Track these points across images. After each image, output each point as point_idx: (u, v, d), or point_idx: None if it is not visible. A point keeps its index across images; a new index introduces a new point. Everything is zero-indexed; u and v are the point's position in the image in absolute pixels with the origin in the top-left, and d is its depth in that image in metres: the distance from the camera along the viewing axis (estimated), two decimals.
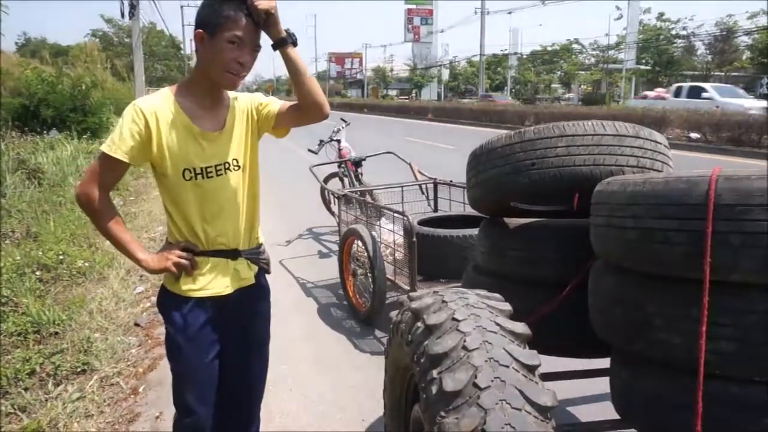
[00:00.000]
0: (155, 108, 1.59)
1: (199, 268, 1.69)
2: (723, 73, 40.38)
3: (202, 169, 1.64)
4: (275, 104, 1.79)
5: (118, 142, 1.56)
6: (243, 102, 1.76)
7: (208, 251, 1.70)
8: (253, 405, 1.95)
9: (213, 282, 1.71)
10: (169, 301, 1.72)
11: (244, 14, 1.53)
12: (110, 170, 1.60)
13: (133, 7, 18.50)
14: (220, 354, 1.78)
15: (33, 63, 15.36)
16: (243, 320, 1.81)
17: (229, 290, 1.73)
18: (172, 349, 1.74)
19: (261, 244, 1.85)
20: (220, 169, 1.67)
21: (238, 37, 1.53)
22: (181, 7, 53.88)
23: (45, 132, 10.76)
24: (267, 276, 1.90)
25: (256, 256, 1.81)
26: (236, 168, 1.70)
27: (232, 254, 1.73)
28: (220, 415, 1.83)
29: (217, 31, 1.53)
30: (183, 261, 1.66)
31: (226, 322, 1.76)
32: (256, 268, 1.82)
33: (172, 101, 1.62)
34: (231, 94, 1.76)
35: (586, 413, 2.60)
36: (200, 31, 1.56)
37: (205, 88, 1.65)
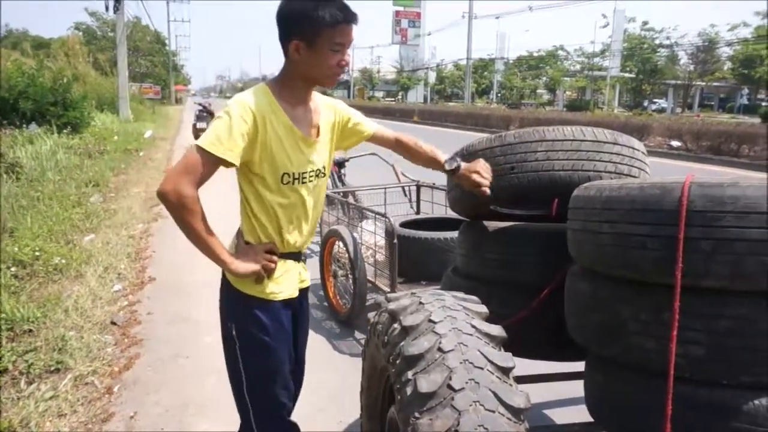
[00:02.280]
0: (262, 107, 1.53)
1: (278, 269, 1.67)
2: (704, 83, 41.13)
3: (299, 174, 1.62)
4: (370, 128, 1.86)
5: (226, 142, 1.47)
6: (330, 110, 1.75)
7: (284, 253, 1.69)
8: (298, 395, 1.97)
9: (288, 284, 1.71)
10: (248, 304, 1.66)
11: (342, 21, 1.50)
12: (210, 169, 1.50)
13: (118, 1, 18.28)
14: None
15: (13, 55, 15.10)
16: (303, 320, 1.85)
17: (296, 293, 1.75)
18: (257, 349, 1.67)
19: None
20: (312, 176, 1.66)
21: (339, 43, 1.52)
22: (167, 1, 53.44)
23: (24, 126, 10.58)
24: None
25: (306, 256, 1.84)
26: (323, 176, 1.72)
27: (298, 257, 1.76)
28: None
29: (316, 41, 1.50)
30: (271, 265, 1.63)
31: (293, 323, 1.78)
32: (307, 270, 1.84)
33: (275, 102, 1.57)
34: (315, 94, 1.74)
35: (561, 416, 2.63)
36: (296, 42, 1.51)
37: (302, 92, 1.62)
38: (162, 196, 1.47)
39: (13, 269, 4.28)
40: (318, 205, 1.76)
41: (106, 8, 18.83)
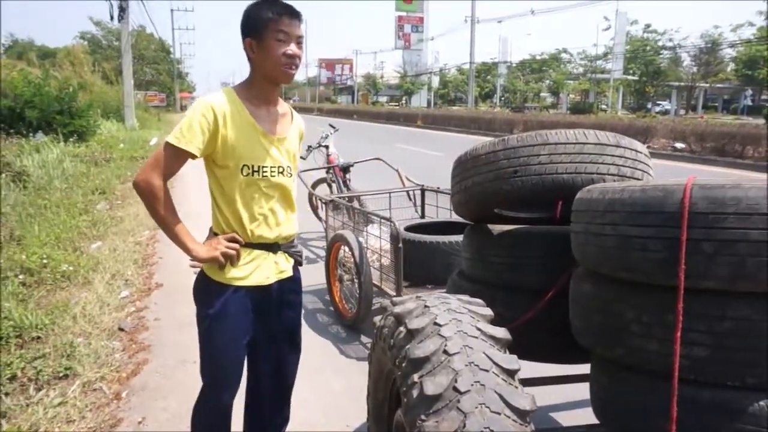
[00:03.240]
0: (223, 105, 1.70)
1: (244, 258, 1.78)
2: (708, 85, 41.01)
3: (259, 167, 1.75)
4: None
5: (187, 135, 1.65)
6: (299, 124, 1.93)
7: (251, 244, 1.79)
8: (287, 389, 2.05)
9: (256, 272, 1.81)
10: (208, 288, 1.80)
11: (284, 14, 1.66)
12: (175, 161, 1.69)
13: (123, 10, 18.42)
14: (257, 341, 1.90)
15: (19, 65, 15.23)
16: (280, 310, 1.91)
17: (269, 281, 1.84)
18: (204, 330, 1.83)
19: (294, 238, 1.95)
20: (274, 171, 1.78)
21: (282, 32, 1.66)
22: (171, 10, 53.83)
23: (31, 134, 10.67)
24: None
25: (291, 249, 1.91)
26: (289, 175, 1.84)
27: (273, 247, 1.84)
28: (258, 401, 2.01)
29: (262, 35, 1.66)
30: (230, 252, 1.74)
31: (264, 311, 1.86)
32: (292, 261, 1.92)
33: (238, 101, 1.73)
34: (290, 108, 1.90)
35: (566, 418, 2.63)
36: (249, 39, 1.68)
37: (263, 92, 1.77)
38: (135, 186, 1.68)
39: (21, 277, 4.31)
40: (286, 203, 1.85)
41: (111, 17, 18.97)
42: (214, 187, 1.78)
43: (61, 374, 3.03)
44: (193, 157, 1.68)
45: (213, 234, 1.82)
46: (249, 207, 1.76)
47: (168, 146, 1.66)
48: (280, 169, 1.79)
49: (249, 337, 1.87)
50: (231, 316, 1.79)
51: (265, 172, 1.76)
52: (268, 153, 1.76)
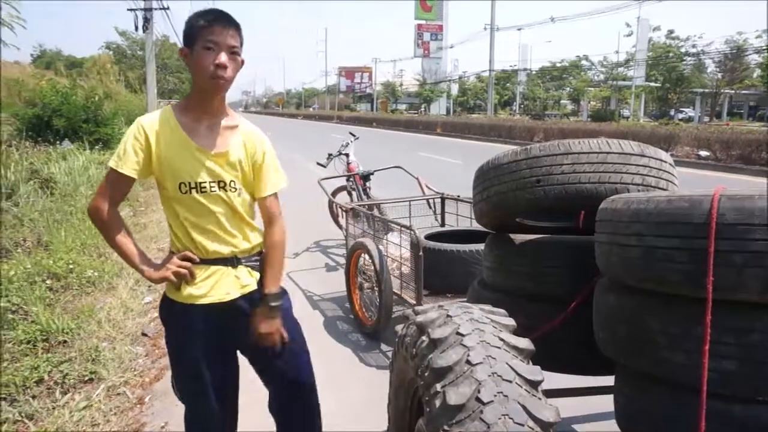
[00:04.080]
0: (155, 124, 1.69)
1: (200, 275, 1.76)
2: (733, 91, 40.30)
3: (197, 183, 1.71)
4: (266, 190, 1.82)
5: (123, 158, 1.66)
6: (255, 140, 1.81)
7: (207, 260, 1.76)
8: (307, 393, 1.99)
9: (214, 289, 1.77)
10: (169, 308, 1.81)
11: (215, 22, 1.63)
12: (117, 184, 1.70)
13: (147, 21, 18.80)
14: (253, 355, 1.91)
15: (48, 75, 15.62)
16: (247, 323, 1.84)
17: (230, 297, 1.78)
18: (170, 350, 1.86)
19: (262, 251, 1.88)
20: (214, 186, 1.73)
21: (211, 41, 1.62)
22: None
23: (58, 142, 10.91)
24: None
25: (256, 263, 1.86)
26: (233, 189, 1.76)
27: (232, 262, 1.79)
28: (282, 412, 2.00)
29: (194, 44, 1.64)
30: (182, 270, 1.72)
31: (236, 327, 1.82)
32: (258, 275, 1.85)
33: (172, 117, 1.71)
34: (243, 122, 1.83)
35: (591, 430, 2.59)
36: (184, 48, 1.68)
37: (201, 104, 1.72)
38: (87, 212, 1.72)
39: (48, 282, 4.40)
40: (238, 216, 1.78)
41: (136, 28, 19.36)
42: (164, 206, 1.78)
43: (86, 378, 3.09)
44: (131, 178, 1.68)
45: (171, 253, 1.80)
46: (197, 223, 1.73)
47: (110, 171, 1.68)
48: (222, 184, 1.73)
49: (218, 353, 1.83)
50: (195, 335, 1.76)
51: (204, 187, 1.71)
52: (204, 168, 1.70)
